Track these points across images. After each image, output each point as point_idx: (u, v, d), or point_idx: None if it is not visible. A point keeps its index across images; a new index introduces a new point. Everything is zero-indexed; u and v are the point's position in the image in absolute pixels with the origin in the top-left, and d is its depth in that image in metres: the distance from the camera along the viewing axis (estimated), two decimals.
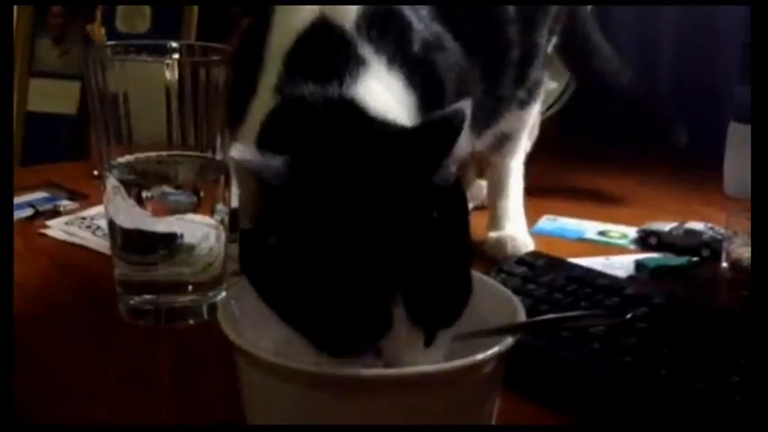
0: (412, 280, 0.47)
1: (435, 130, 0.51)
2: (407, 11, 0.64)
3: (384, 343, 0.47)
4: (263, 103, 0.58)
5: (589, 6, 1.07)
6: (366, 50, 0.59)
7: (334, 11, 0.60)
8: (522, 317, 0.54)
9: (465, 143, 0.50)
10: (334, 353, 0.48)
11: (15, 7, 1.43)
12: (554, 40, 0.90)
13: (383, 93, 0.57)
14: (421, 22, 0.64)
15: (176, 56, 0.72)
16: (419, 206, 0.48)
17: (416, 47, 0.63)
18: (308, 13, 0.60)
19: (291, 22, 0.60)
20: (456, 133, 0.49)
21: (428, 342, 0.49)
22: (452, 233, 0.50)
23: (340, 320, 0.47)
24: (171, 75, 0.68)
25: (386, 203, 0.48)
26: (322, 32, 0.59)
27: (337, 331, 0.47)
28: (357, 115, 0.54)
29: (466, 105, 0.50)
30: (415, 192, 0.48)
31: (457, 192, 0.52)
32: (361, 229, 0.47)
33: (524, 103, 0.86)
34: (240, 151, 0.47)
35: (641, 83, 1.11)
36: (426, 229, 0.48)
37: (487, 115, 0.80)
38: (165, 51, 0.72)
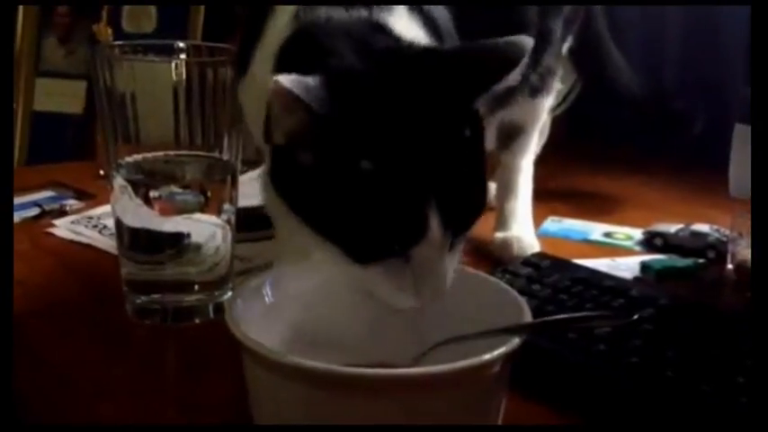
0: (445, 190, 0.50)
1: (494, 54, 0.53)
2: None
3: (416, 249, 0.50)
4: (279, 28, 0.59)
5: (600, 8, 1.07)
6: None
7: None
8: (528, 317, 0.54)
9: (517, 74, 0.53)
10: (366, 259, 0.51)
11: (21, 7, 1.44)
12: (569, 40, 0.91)
13: (409, 24, 0.59)
14: None
15: (183, 56, 0.72)
16: (456, 126, 0.52)
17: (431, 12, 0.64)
18: None
19: None
20: (514, 63, 0.52)
21: (451, 247, 0.52)
22: (477, 148, 0.54)
23: (378, 229, 0.50)
24: (178, 75, 0.68)
25: (426, 123, 0.51)
26: None
27: (374, 239, 0.51)
28: (392, 37, 0.56)
29: (528, 41, 0.53)
30: (455, 113, 0.52)
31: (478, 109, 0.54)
32: (403, 146, 0.50)
33: (536, 91, 0.86)
34: (289, 80, 0.47)
35: (650, 87, 1.11)
36: (459, 146, 0.52)
37: (499, 96, 0.80)
38: (172, 52, 0.72)
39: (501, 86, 0.53)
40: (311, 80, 0.49)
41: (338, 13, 0.57)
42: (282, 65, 0.56)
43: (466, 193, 0.52)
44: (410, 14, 0.60)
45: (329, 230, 0.52)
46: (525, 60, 0.53)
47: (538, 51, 0.82)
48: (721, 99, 1.20)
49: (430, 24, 0.62)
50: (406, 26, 0.58)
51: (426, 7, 0.63)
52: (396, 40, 0.56)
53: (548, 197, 1.00)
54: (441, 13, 0.65)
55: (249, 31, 0.65)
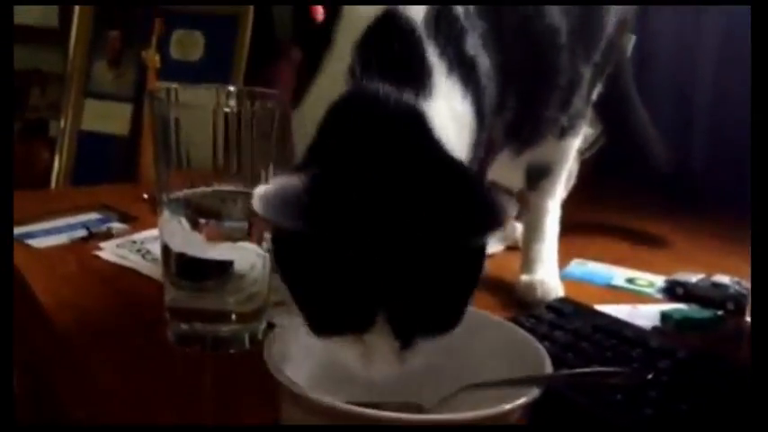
0: (400, 307, 0.54)
1: (481, 214, 0.55)
2: (462, 15, 0.66)
3: (365, 336, 0.55)
4: (329, 80, 0.63)
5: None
6: (432, 52, 0.63)
7: (404, 8, 0.63)
8: (548, 368, 0.57)
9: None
10: (322, 333, 0.56)
11: (74, 29, 1.50)
12: (598, 87, 0.93)
13: (446, 108, 0.61)
14: (474, 30, 0.67)
15: (233, 102, 0.76)
16: (442, 259, 0.54)
17: (470, 53, 0.66)
18: (377, 10, 0.63)
19: (361, 13, 0.63)
20: (496, 228, 0.55)
21: (405, 346, 0.56)
22: (458, 278, 0.56)
23: (335, 309, 0.55)
24: (229, 118, 0.72)
25: (404, 238, 0.53)
26: (393, 27, 0.62)
27: (330, 317, 0.55)
28: (421, 138, 0.58)
29: (513, 206, 0.55)
30: (443, 249, 0.54)
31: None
32: (381, 250, 0.53)
33: (565, 132, 0.88)
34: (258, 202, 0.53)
35: (669, 146, 1.13)
36: (433, 273, 0.54)
37: (529, 134, 0.83)
38: (223, 95, 0.77)
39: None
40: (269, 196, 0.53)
41: (388, 90, 0.59)
42: (323, 133, 0.60)
43: (427, 311, 0.55)
44: (448, 86, 0.63)
45: (300, 297, 0.57)
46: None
47: (570, 93, 0.84)
48: (746, 149, 1.21)
49: (474, 97, 0.65)
50: (442, 114, 0.60)
51: (467, 58, 0.65)
52: (423, 151, 0.58)
53: (573, 236, 1.02)
54: (485, 70, 0.68)
55: (308, 63, 0.68)
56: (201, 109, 0.75)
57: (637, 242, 1.11)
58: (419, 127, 0.58)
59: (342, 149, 0.57)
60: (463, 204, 0.55)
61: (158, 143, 0.73)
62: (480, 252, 0.58)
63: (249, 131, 0.72)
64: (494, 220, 0.55)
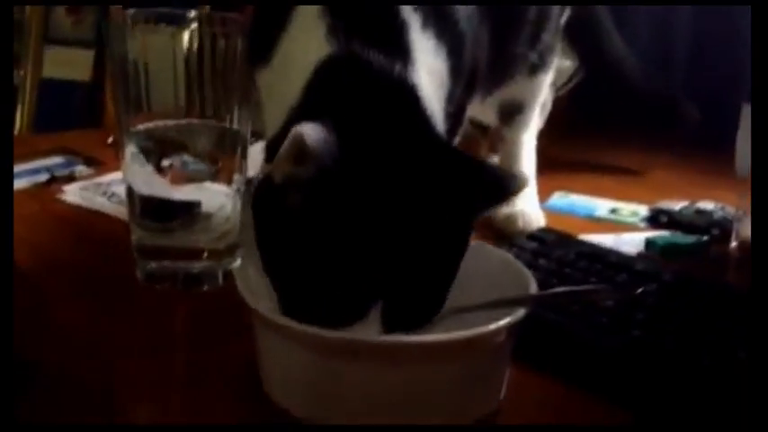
0: (396, 292, 0.51)
1: (488, 188, 0.54)
2: None
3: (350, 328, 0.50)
4: (302, 39, 0.59)
5: None
6: (406, 6, 0.60)
7: None
8: (533, 289, 0.55)
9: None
10: (288, 314, 0.51)
11: None
12: (567, 11, 0.90)
13: (425, 69, 0.59)
14: None
15: (195, 25, 0.72)
16: (437, 236, 0.52)
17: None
18: None
19: None
20: (504, 198, 0.55)
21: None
22: (450, 258, 0.54)
23: (321, 295, 0.50)
24: (190, 44, 0.69)
25: (410, 224, 0.51)
26: None
27: (314, 304, 0.50)
28: (415, 111, 0.56)
29: (525, 181, 0.55)
30: (439, 223, 0.52)
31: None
32: (381, 233, 0.50)
33: (536, 68, 0.86)
34: (312, 132, 0.47)
35: (648, 70, 1.11)
36: (430, 253, 0.52)
37: (498, 73, 0.81)
38: (184, 21, 0.72)
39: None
40: (328, 138, 0.48)
41: (377, 59, 0.56)
42: (313, 95, 0.56)
43: (416, 303, 0.52)
44: (436, 48, 0.61)
45: (274, 273, 0.52)
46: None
47: (538, 28, 0.82)
48: (730, 79, 1.20)
49: (453, 42, 0.63)
50: (426, 82, 0.58)
51: (452, 20, 0.63)
52: (416, 118, 0.56)
53: (555, 171, 1.00)
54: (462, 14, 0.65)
55: (266, 17, 0.65)
56: (159, 37, 0.71)
57: (619, 174, 1.09)
58: (412, 104, 0.56)
59: (337, 116, 0.51)
60: (464, 181, 0.53)
61: (116, 79, 0.69)
62: (468, 233, 0.55)
63: (211, 62, 0.69)
64: (496, 194, 0.54)
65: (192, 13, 0.73)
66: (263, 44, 0.63)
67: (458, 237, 0.54)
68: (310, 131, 0.48)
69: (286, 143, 0.48)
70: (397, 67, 0.57)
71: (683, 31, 1.26)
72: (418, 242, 0.51)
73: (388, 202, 0.50)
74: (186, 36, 0.69)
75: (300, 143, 0.47)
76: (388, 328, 0.51)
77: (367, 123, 0.53)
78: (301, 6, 0.61)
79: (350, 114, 0.53)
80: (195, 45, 0.69)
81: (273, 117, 0.60)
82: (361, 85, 0.56)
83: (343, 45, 0.57)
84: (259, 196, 0.54)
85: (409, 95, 0.56)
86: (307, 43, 0.59)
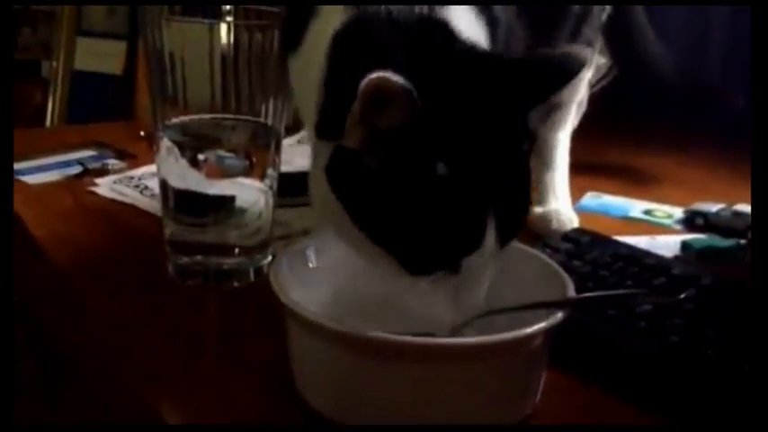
0: (502, 201, 0.51)
1: (554, 66, 0.53)
2: None
3: (469, 259, 0.51)
4: (326, 21, 0.57)
5: None
6: None
7: None
8: (571, 292, 0.54)
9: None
10: (420, 270, 0.51)
11: None
12: (608, 9, 0.89)
13: (470, 24, 0.57)
14: None
15: (231, 18, 0.72)
16: (517, 138, 0.53)
17: None
18: None
19: None
20: (572, 75, 0.53)
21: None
22: (528, 161, 0.54)
23: (438, 237, 0.50)
24: (226, 37, 0.68)
25: (493, 132, 0.51)
26: None
27: (431, 248, 0.50)
28: (455, 39, 0.54)
29: (588, 52, 0.53)
30: (517, 124, 0.53)
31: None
32: (474, 154, 0.50)
33: None
34: (396, 77, 0.46)
35: (683, 64, 1.09)
36: (518, 159, 0.53)
37: None
38: (220, 14, 0.72)
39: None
40: (402, 79, 0.46)
41: (397, 9, 0.54)
42: (338, 56, 0.55)
43: (517, 205, 0.53)
44: (472, 14, 0.58)
45: (385, 239, 0.51)
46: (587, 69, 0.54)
47: (580, 23, 0.81)
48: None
49: (491, 22, 0.60)
50: (467, 26, 0.56)
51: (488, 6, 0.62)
52: (460, 43, 0.54)
53: (587, 172, 0.99)
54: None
55: (298, 5, 0.64)
56: (196, 29, 0.70)
57: (653, 175, 1.08)
58: (446, 29, 0.54)
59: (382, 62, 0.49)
60: (529, 78, 0.53)
61: (152, 72, 0.69)
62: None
63: (248, 56, 0.68)
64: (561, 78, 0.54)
65: (228, 6, 0.73)
66: (294, 32, 0.63)
67: (527, 132, 0.54)
68: (393, 77, 0.46)
69: (364, 93, 0.47)
70: (425, 10, 0.54)
71: (719, 19, 1.24)
72: (504, 148, 0.52)
73: (468, 122, 0.50)
74: (223, 29, 0.69)
75: (374, 89, 0.46)
76: (502, 241, 0.51)
77: (409, 58, 0.51)
78: None
79: (389, 56, 0.51)
80: (231, 38, 0.69)
81: (305, 103, 0.60)
82: (390, 31, 0.53)
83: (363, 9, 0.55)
84: (332, 175, 0.52)
85: (442, 25, 0.54)
86: (331, 22, 0.57)
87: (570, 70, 0.53)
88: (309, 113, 0.58)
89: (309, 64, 0.58)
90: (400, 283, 0.52)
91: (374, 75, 0.46)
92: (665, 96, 1.13)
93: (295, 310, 0.50)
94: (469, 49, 0.54)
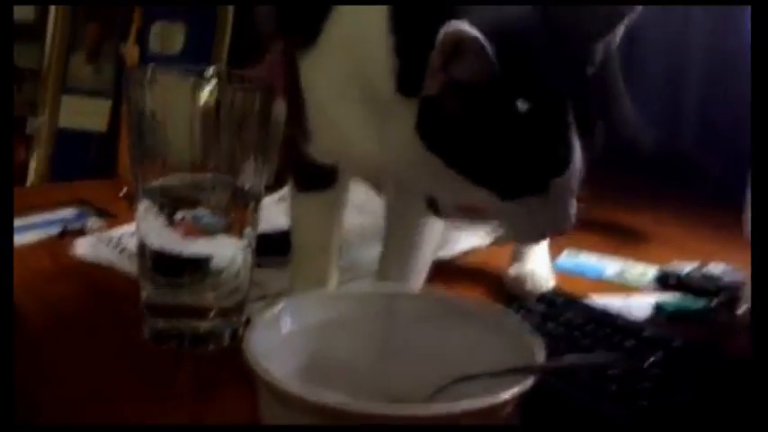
0: (582, 121, 0.58)
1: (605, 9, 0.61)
2: None
3: (558, 179, 0.58)
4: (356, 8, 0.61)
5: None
6: None
7: None
8: (541, 358, 0.54)
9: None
10: (513, 194, 0.58)
11: (51, 23, 1.46)
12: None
13: None
14: None
15: (214, 81, 0.73)
16: (585, 65, 0.60)
17: None
18: None
19: None
20: (623, 16, 0.60)
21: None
22: (598, 83, 0.61)
23: (528, 163, 0.57)
24: (208, 100, 0.70)
25: (565, 64, 0.58)
26: None
27: (523, 173, 0.57)
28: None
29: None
30: (583, 55, 0.60)
31: None
32: (551, 85, 0.57)
33: None
34: (471, 30, 0.53)
35: (656, 132, 1.11)
36: (588, 82, 0.60)
37: None
38: (203, 76, 0.74)
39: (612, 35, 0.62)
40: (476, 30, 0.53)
41: None
42: (407, 20, 0.59)
43: (594, 126, 0.59)
44: None
45: (478, 172, 0.58)
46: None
47: None
48: (739, 138, 1.20)
49: None
50: None
51: None
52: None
53: None
54: None
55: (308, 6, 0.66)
56: (178, 92, 0.72)
57: (628, 234, 1.09)
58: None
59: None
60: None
61: (133, 132, 0.70)
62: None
63: (228, 118, 0.70)
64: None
65: (211, 70, 0.75)
66: (306, 31, 0.65)
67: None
68: (468, 29, 0.53)
69: (438, 49, 0.54)
70: None
71: (693, 87, 1.27)
72: (573, 77, 0.58)
73: (542, 57, 0.57)
74: (205, 92, 0.71)
75: (457, 40, 0.53)
76: (589, 153, 0.59)
77: (478, 15, 0.56)
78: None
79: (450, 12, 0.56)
80: (213, 101, 0.70)
81: (322, 91, 0.64)
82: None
83: None
84: (422, 128, 0.58)
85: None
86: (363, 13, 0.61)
87: (620, 12, 0.60)
88: (340, 102, 0.63)
89: (341, 48, 0.62)
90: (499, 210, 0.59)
91: (450, 27, 0.53)
92: (640, 162, 1.15)
93: (267, 379, 0.50)
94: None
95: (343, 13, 0.63)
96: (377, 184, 0.79)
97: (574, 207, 0.61)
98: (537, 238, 0.67)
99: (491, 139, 0.56)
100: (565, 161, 0.58)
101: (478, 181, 0.58)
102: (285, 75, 0.72)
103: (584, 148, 0.58)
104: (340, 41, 0.63)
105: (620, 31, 0.64)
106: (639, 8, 0.61)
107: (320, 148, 0.69)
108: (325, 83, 0.65)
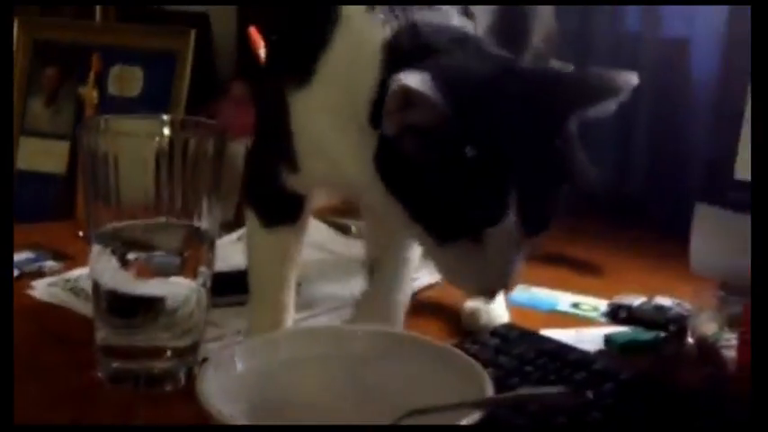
0: (527, 187, 0.58)
1: (595, 82, 0.62)
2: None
3: (490, 231, 0.58)
4: (366, 28, 0.63)
5: None
6: None
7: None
8: (489, 392, 0.56)
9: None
10: (445, 237, 0.60)
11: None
12: None
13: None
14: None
15: (167, 130, 0.75)
16: (549, 135, 0.60)
17: None
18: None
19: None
20: (613, 94, 0.61)
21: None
22: (564, 158, 0.61)
23: (462, 208, 0.58)
24: (161, 145, 0.71)
25: (525, 127, 0.59)
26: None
27: (455, 218, 0.59)
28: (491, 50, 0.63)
29: (633, 79, 0.61)
30: (549, 124, 0.60)
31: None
32: (502, 141, 0.58)
33: None
34: (420, 82, 0.55)
35: (607, 177, 1.15)
36: (548, 153, 0.60)
37: None
38: (157, 122, 0.75)
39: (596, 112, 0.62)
40: (431, 80, 0.55)
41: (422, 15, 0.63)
42: (392, 61, 0.61)
43: (544, 195, 0.60)
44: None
45: (417, 208, 0.60)
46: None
47: None
48: (684, 177, 1.23)
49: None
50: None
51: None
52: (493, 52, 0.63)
53: None
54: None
55: (304, 40, 0.68)
56: (132, 140, 0.73)
57: (579, 268, 1.11)
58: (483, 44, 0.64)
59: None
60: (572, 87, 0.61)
61: (87, 176, 0.71)
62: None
63: (182, 163, 0.71)
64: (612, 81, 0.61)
65: (165, 117, 0.76)
66: (301, 70, 0.67)
67: (570, 137, 0.61)
68: (410, 78, 0.55)
69: (390, 96, 0.56)
70: (455, 26, 0.64)
71: (641, 136, 1.30)
72: (531, 142, 0.58)
73: (503, 114, 0.58)
74: (158, 138, 0.72)
75: (405, 91, 0.55)
76: (526, 225, 0.58)
77: (447, 65, 0.59)
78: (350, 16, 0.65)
79: (431, 62, 0.59)
80: (167, 146, 0.71)
81: (316, 124, 0.66)
82: (431, 41, 0.61)
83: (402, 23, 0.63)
84: (378, 160, 0.61)
85: (477, 40, 0.64)
86: (356, 44, 0.63)
87: (612, 88, 0.61)
88: (336, 138, 0.66)
89: (335, 84, 0.65)
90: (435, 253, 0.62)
91: (399, 81, 0.55)
92: (590, 202, 1.18)
93: (219, 419, 0.51)
94: (504, 59, 0.63)
95: (337, 53, 0.65)
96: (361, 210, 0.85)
97: (515, 268, 0.61)
98: (476, 291, 0.66)
99: (435, 178, 0.58)
100: (498, 214, 0.58)
101: (416, 217, 0.60)
102: (256, 114, 0.75)
103: (522, 214, 0.58)
104: (335, 78, 0.65)
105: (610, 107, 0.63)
106: (633, 86, 0.61)
107: (308, 176, 0.70)
108: (318, 116, 0.67)
